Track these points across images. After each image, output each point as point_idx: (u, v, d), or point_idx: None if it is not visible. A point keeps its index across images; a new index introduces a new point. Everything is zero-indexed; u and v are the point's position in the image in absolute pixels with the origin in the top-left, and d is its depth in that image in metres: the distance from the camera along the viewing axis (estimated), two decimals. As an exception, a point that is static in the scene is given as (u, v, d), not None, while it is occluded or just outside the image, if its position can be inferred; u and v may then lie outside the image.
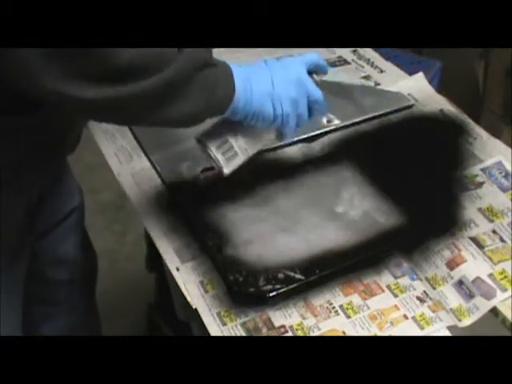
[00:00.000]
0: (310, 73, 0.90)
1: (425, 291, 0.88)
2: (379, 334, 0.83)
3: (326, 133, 1.12)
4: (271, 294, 0.86)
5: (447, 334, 0.83)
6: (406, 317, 0.85)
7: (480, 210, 0.97)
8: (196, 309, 0.86)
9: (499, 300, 0.85)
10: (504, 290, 0.86)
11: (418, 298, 0.87)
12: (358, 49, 1.33)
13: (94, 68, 0.70)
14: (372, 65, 1.30)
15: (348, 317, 0.84)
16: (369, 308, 0.86)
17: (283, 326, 0.84)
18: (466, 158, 1.06)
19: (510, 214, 0.96)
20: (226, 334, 0.83)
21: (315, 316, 0.85)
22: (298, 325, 0.84)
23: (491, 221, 0.95)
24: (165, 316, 1.51)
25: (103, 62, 0.69)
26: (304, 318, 0.84)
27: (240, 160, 0.90)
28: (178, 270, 0.91)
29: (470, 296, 0.86)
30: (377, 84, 1.24)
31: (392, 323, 0.84)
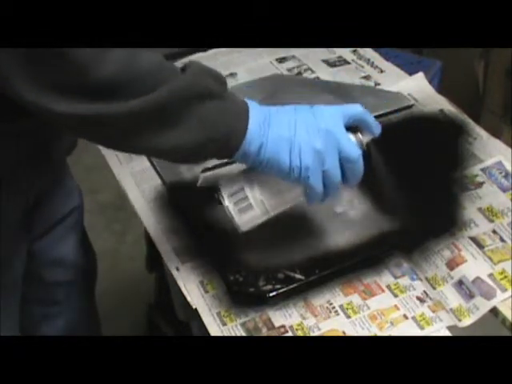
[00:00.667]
0: (352, 129, 0.79)
1: (425, 291, 0.88)
2: (379, 333, 0.83)
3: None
4: (271, 294, 0.86)
5: (447, 334, 0.83)
6: (405, 317, 0.85)
7: (480, 209, 0.97)
8: (196, 309, 0.86)
9: (499, 300, 0.85)
10: (504, 290, 0.86)
11: (418, 298, 0.87)
12: (358, 49, 1.33)
13: (70, 81, 0.64)
14: (372, 65, 1.29)
15: (348, 317, 0.84)
16: (369, 308, 0.86)
17: (283, 326, 0.84)
18: (466, 157, 1.06)
19: (510, 213, 0.96)
20: (226, 334, 0.83)
21: (315, 316, 0.85)
22: (298, 325, 0.84)
23: (491, 221, 0.95)
24: (165, 316, 1.51)
25: (79, 75, 0.64)
26: (304, 318, 0.84)
27: (255, 214, 0.81)
28: (177, 269, 0.91)
29: (469, 296, 0.86)
30: (377, 84, 1.24)
31: (392, 323, 0.84)
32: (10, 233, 0.92)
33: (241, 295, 0.86)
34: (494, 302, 0.85)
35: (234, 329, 0.83)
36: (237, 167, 0.85)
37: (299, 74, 1.26)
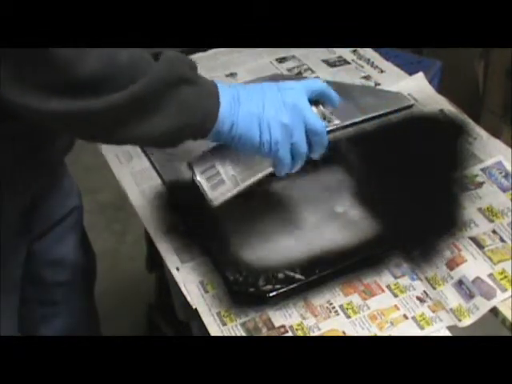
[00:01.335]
0: (315, 102, 0.83)
1: (425, 291, 0.88)
2: (379, 333, 0.83)
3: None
4: (271, 294, 0.86)
5: (447, 334, 0.83)
6: (405, 317, 0.85)
7: (480, 209, 0.97)
8: (196, 309, 0.86)
9: (499, 300, 0.85)
10: (504, 289, 0.86)
11: (418, 298, 0.87)
12: (358, 49, 1.33)
13: (53, 79, 0.66)
14: (372, 65, 1.30)
15: (348, 317, 0.84)
16: (369, 308, 0.85)
17: (283, 326, 0.84)
18: (466, 157, 1.06)
19: (510, 213, 0.96)
20: (226, 334, 0.83)
21: (315, 316, 0.85)
22: (298, 325, 0.84)
23: (491, 221, 0.95)
24: (165, 316, 1.51)
25: (63, 73, 0.65)
26: (304, 318, 0.84)
27: (228, 188, 0.84)
28: (177, 269, 0.91)
29: (470, 296, 0.86)
30: (377, 84, 1.24)
31: (392, 323, 0.84)
32: (9, 234, 0.92)
33: (241, 295, 0.86)
34: (493, 302, 0.85)
35: (234, 329, 0.83)
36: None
37: (299, 74, 1.26)
